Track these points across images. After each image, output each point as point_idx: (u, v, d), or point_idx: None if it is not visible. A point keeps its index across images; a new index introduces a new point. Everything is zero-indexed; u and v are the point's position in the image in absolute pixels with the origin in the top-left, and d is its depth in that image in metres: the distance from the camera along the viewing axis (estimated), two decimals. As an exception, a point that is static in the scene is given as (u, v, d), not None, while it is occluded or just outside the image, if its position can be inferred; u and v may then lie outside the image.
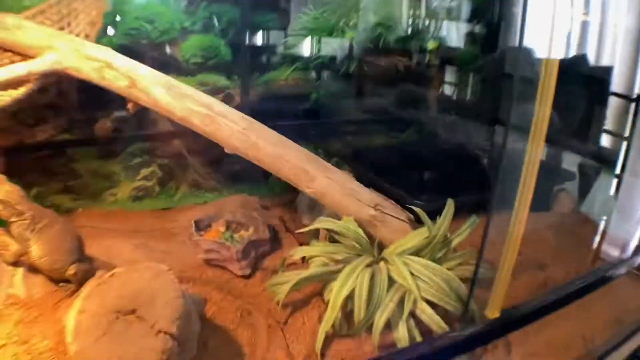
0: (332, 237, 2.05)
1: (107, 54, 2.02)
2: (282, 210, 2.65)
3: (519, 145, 1.44)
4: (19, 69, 1.97)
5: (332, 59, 2.70)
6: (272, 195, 2.78)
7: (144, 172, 2.65)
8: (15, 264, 1.79)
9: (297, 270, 2.02)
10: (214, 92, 2.58)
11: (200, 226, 2.27)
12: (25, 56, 2.09)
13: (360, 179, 2.18)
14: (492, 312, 1.60)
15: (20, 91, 1.99)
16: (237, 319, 1.85)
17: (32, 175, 2.54)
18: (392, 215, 2.04)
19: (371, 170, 2.61)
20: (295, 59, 2.70)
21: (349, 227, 1.98)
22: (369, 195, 2.08)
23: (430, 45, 2.93)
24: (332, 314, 1.71)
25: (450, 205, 1.98)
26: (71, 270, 1.82)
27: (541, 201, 2.58)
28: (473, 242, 1.90)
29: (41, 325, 1.67)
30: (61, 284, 1.84)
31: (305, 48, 2.67)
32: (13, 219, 1.74)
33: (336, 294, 1.72)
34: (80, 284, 1.82)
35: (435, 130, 3.01)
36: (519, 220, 1.53)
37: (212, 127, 1.98)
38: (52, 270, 1.80)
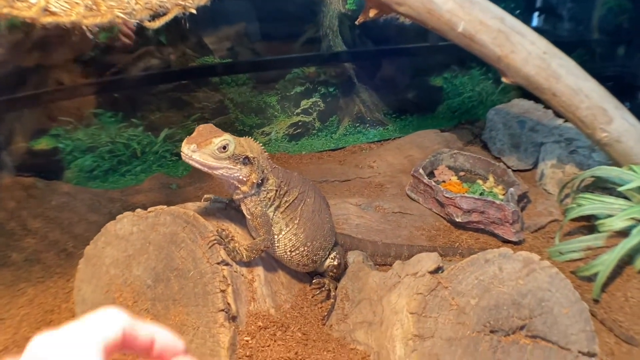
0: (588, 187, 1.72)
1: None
2: (475, 149, 2.20)
3: None
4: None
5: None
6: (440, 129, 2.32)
7: (305, 103, 2.06)
8: (250, 264, 1.19)
9: (578, 235, 1.68)
10: None
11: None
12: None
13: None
14: None
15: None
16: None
17: (158, 109, 1.89)
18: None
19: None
20: None
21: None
22: (657, 138, 1.71)
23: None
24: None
25: None
26: (334, 261, 1.31)
27: None
28: None
29: (320, 355, 1.13)
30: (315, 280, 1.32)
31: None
32: (250, 191, 1.12)
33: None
34: (338, 279, 1.33)
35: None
36: None
37: (505, 49, 1.46)
38: (307, 265, 1.26)
